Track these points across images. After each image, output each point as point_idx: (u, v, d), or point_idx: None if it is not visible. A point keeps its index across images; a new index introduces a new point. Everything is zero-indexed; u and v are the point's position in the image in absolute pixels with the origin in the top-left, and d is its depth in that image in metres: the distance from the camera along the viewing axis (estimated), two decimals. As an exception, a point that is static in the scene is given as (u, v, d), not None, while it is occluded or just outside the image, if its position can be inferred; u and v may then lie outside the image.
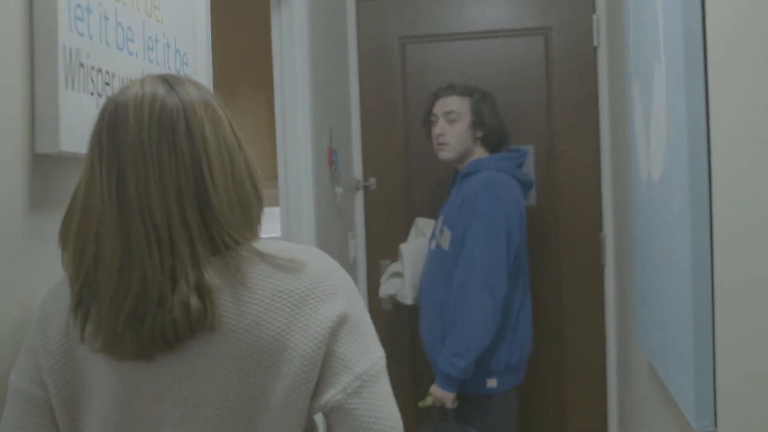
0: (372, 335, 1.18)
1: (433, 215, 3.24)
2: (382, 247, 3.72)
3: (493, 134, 2.99)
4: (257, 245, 1.14)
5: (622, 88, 2.91)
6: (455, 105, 3.00)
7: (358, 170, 3.74)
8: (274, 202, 3.01)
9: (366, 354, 1.14)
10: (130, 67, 1.56)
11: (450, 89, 3.06)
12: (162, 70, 1.70)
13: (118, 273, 1.06)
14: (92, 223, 1.09)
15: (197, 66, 1.96)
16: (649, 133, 1.93)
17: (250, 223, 1.16)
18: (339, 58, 3.55)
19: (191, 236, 1.08)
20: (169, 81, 1.14)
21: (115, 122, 1.10)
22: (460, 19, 3.65)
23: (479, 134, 2.98)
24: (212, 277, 1.08)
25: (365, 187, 3.73)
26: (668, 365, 1.80)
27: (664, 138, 1.71)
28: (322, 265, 1.17)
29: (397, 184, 3.71)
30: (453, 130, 2.99)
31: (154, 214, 1.07)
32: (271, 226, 4.21)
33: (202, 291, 1.07)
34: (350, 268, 3.59)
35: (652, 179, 1.91)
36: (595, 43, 3.50)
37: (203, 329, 1.07)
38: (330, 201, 3.22)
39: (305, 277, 1.13)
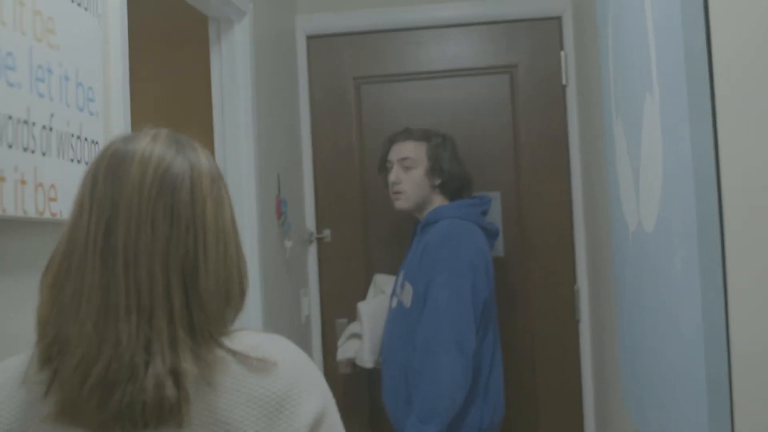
0: None
1: (394, 269, 2.96)
2: (339, 304, 3.42)
3: (453, 181, 2.76)
4: (228, 342, 1.06)
5: (596, 129, 2.68)
6: (411, 151, 2.77)
7: (310, 221, 3.45)
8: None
9: None
10: (9, 102, 1.27)
11: (405, 134, 2.83)
12: (57, 105, 1.41)
13: (93, 329, 0.98)
14: (72, 268, 1.01)
15: (110, 104, 1.67)
16: (638, 177, 1.67)
17: (226, 317, 1.08)
18: (288, 99, 3.28)
19: (172, 313, 1.00)
20: (181, 143, 1.08)
21: (116, 168, 1.03)
22: (419, 58, 3.41)
23: (437, 182, 2.76)
24: (190, 365, 1.00)
25: (319, 240, 3.44)
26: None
27: (660, 182, 1.45)
28: (292, 360, 1.10)
29: (354, 236, 3.43)
30: (409, 177, 2.76)
31: (139, 275, 1.00)
32: None
33: (179, 377, 0.98)
34: (303, 329, 3.29)
35: (642, 229, 1.64)
36: (564, 82, 3.28)
37: (172, 421, 0.99)
38: (278, 256, 2.93)
39: (279, 378, 1.06)
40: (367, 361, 2.90)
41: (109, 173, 1.03)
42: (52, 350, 1.00)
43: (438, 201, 2.76)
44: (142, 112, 3.69)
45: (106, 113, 1.62)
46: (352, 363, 3.05)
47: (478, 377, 2.56)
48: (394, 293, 2.78)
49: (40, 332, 1.02)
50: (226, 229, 1.07)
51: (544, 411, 3.30)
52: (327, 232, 3.43)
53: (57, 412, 0.99)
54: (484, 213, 2.78)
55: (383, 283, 3.08)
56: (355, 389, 3.37)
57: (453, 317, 2.47)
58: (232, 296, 1.08)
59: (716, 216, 1.21)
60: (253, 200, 2.66)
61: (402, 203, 2.78)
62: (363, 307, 2.95)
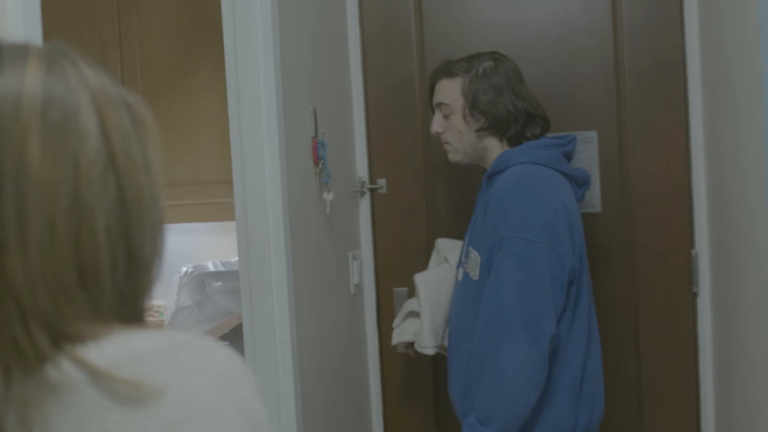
0: None
1: (463, 228, 2.34)
2: (397, 270, 2.83)
3: (500, 121, 2.13)
4: (94, 350, 0.69)
5: (729, 49, 2.01)
6: (445, 93, 2.20)
7: (362, 169, 2.84)
8: (233, 215, 2.16)
9: None
10: None
11: (441, 70, 2.24)
12: None
13: None
14: None
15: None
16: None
17: (95, 306, 0.71)
18: (332, 17, 2.67)
19: None
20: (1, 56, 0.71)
21: None
22: (496, -36, 2.74)
23: (477, 126, 2.15)
24: None
25: (372, 191, 2.84)
26: None
27: None
28: (195, 384, 0.71)
29: (416, 186, 2.81)
30: (450, 126, 2.20)
31: None
32: (229, 247, 3.40)
33: None
34: (352, 300, 2.71)
35: None
36: (681, -11, 2.58)
37: None
38: (315, 211, 2.35)
39: (159, 412, 0.68)
40: (427, 346, 2.34)
41: None
42: None
43: (497, 148, 2.17)
44: (152, 35, 3.17)
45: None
46: (412, 347, 2.48)
47: (568, 370, 1.99)
48: (460, 263, 2.20)
49: None
50: (82, 168, 0.71)
51: (648, 411, 2.65)
52: (382, 182, 2.82)
53: None
54: (568, 156, 2.16)
55: (447, 249, 2.48)
56: (417, 376, 2.80)
57: (522, 293, 1.91)
58: (94, 270, 0.71)
59: None
60: (275, 141, 2.07)
61: (453, 156, 2.26)
62: (420, 279, 2.37)
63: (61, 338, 0.69)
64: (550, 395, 1.96)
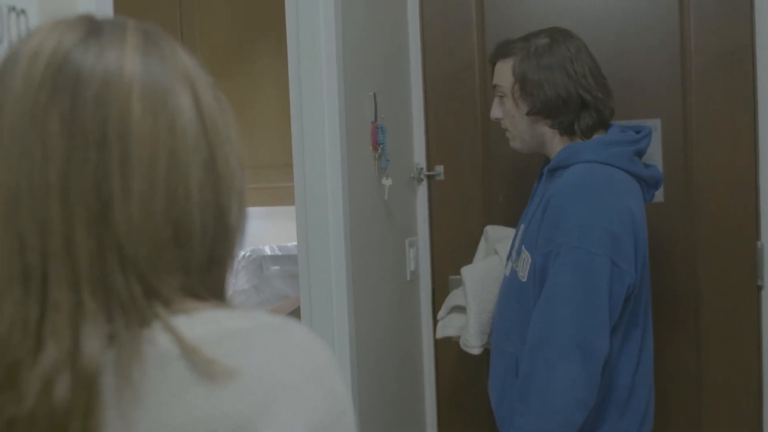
0: None
1: (518, 216, 2.28)
2: (454, 257, 2.79)
3: (549, 106, 1.96)
4: (185, 322, 0.70)
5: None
6: (499, 74, 2.06)
7: (419, 155, 2.82)
8: (290, 200, 2.17)
9: None
10: None
11: (498, 50, 2.09)
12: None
13: None
14: None
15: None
16: None
17: (185, 267, 0.73)
18: (392, 1, 2.65)
19: (76, 272, 0.67)
20: (98, 29, 0.74)
21: (2, 74, 0.72)
22: (559, -54, 2.69)
23: (526, 109, 2.00)
24: (94, 347, 0.65)
25: (429, 178, 2.82)
26: None
27: None
28: (280, 370, 0.71)
29: (473, 174, 2.78)
30: (506, 111, 2.06)
31: (21, 223, 0.67)
32: (286, 231, 3.41)
33: (78, 369, 0.64)
34: (408, 287, 2.70)
35: None
36: (751, -25, 2.50)
37: None
38: (374, 197, 2.35)
39: (242, 394, 0.68)
40: (472, 345, 2.21)
41: None
42: None
43: (550, 135, 2.02)
44: (213, 24, 3.19)
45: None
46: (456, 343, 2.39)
47: (615, 388, 1.88)
48: (509, 256, 2.09)
49: None
50: (179, 130, 0.74)
51: (709, 408, 2.59)
52: (440, 169, 2.80)
53: None
54: (640, 153, 1.99)
55: (497, 238, 2.38)
56: (471, 366, 2.74)
57: (578, 309, 1.77)
58: (187, 234, 0.73)
59: None
60: (336, 126, 2.07)
61: (512, 143, 2.12)
62: (467, 273, 2.25)
63: (155, 298, 0.71)
64: (595, 412, 1.83)
